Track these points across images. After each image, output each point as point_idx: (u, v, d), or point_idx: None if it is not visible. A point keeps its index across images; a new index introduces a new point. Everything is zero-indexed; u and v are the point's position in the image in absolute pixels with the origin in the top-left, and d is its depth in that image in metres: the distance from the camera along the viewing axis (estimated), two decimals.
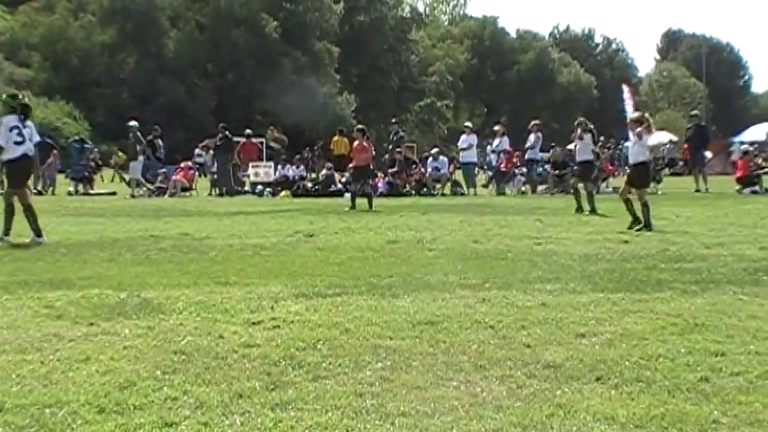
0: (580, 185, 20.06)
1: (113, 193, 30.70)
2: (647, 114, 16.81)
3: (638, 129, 16.15)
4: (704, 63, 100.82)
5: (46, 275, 9.65)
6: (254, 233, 15.48)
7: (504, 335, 6.54)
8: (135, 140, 31.75)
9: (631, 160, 16.42)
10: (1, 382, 5.18)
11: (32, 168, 14.77)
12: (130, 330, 6.69)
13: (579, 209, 19.32)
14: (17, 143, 13.79)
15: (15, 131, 13.79)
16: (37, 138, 14.44)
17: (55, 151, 36.00)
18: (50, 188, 34.23)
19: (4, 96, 14.87)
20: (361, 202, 22.17)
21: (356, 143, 23.78)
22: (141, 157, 31.70)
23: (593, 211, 18.72)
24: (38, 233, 13.77)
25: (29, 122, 14.14)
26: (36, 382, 5.19)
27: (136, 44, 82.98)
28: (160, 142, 34.66)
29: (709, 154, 37.20)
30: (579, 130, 20.85)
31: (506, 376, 5.35)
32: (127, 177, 31.78)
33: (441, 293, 8.29)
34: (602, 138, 36.41)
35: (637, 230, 15.01)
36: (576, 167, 21.34)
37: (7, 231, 13.71)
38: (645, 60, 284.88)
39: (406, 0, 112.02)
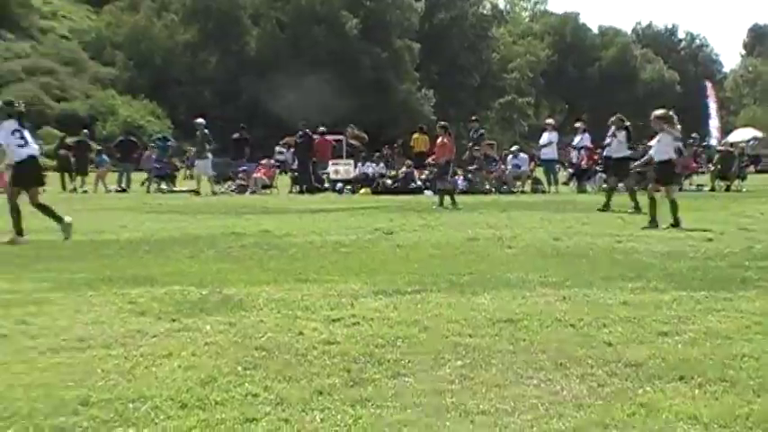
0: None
1: (196, 192, 30.99)
2: (671, 112, 16.41)
3: (663, 125, 15.87)
4: None
5: (129, 272, 9.78)
6: (334, 230, 15.53)
7: (584, 333, 6.48)
8: (203, 138, 32.05)
9: (656, 158, 16.07)
10: (86, 376, 5.26)
11: (39, 169, 15.04)
12: (212, 327, 6.74)
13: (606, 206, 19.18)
14: (20, 146, 14.11)
15: (17, 134, 14.11)
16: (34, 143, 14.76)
17: (148, 150, 36.43)
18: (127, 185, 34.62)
19: (1, 103, 15.23)
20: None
21: (439, 140, 23.73)
22: (210, 155, 31.97)
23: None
24: (19, 233, 13.86)
25: (24, 126, 14.47)
26: (120, 377, 5.26)
27: (217, 42, 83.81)
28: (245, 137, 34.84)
29: None
30: (614, 128, 20.46)
31: (587, 375, 5.30)
32: (202, 175, 32.03)
33: (520, 291, 8.24)
34: (693, 135, 35.97)
35: (665, 228, 14.80)
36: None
37: (20, 232, 13.88)
38: (730, 56, 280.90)
39: None
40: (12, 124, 14.15)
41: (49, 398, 4.81)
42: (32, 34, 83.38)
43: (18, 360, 5.67)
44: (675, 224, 14.98)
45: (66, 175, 35.49)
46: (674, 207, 15.18)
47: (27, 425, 4.38)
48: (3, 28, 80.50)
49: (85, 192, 33.74)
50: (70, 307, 7.58)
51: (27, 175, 14.46)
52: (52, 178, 36.01)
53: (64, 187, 34.78)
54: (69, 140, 38.54)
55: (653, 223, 15.21)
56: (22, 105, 15.39)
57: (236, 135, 34.69)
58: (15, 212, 13.92)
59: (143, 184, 34.94)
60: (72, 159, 35.77)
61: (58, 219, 14.26)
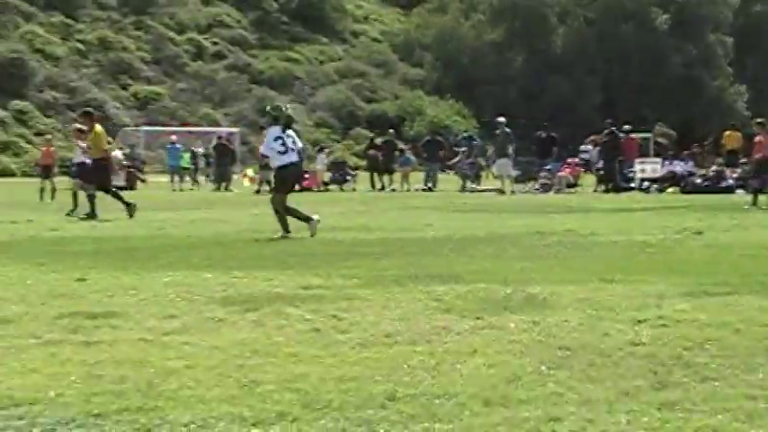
0: None
1: (500, 191, 31.18)
2: None
3: None
4: None
5: (435, 270, 9.94)
6: (640, 230, 15.23)
7: None
8: (504, 137, 32.12)
9: None
10: (393, 371, 5.38)
11: (298, 176, 15.39)
12: (515, 325, 6.75)
13: None
14: (280, 153, 14.50)
15: (279, 141, 14.47)
16: (300, 144, 15.04)
17: (469, 148, 36.90)
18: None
19: (269, 108, 15.69)
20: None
21: (758, 137, 22.80)
22: (512, 154, 31.99)
23: None
24: (286, 229, 14.31)
25: (290, 132, 14.77)
26: (425, 373, 5.35)
27: (524, 42, 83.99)
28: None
29: None
30: None
31: None
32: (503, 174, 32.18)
33: None
34: None
35: None
36: None
37: (286, 230, 14.36)
38: None
39: None
40: (276, 131, 14.74)
41: (358, 391, 4.95)
42: (345, 38, 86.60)
43: (329, 354, 5.87)
44: None
45: (375, 174, 36.60)
46: None
47: (338, 416, 4.52)
48: (318, 33, 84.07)
49: (393, 190, 34.67)
50: (378, 303, 7.79)
51: (288, 181, 15.07)
52: (362, 177, 37.36)
53: (373, 186, 35.92)
54: (378, 141, 39.76)
55: None
56: (289, 110, 16.02)
57: (540, 134, 34.54)
58: (289, 212, 14.51)
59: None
60: (380, 159, 36.88)
61: (306, 218, 14.55)
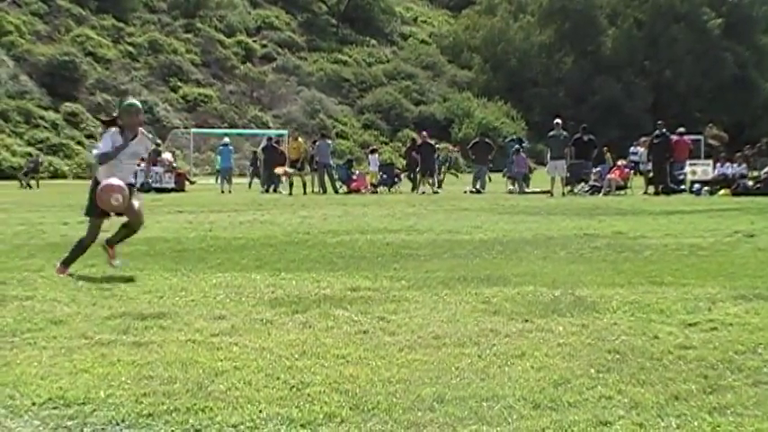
0: None
1: (549, 192, 31.10)
2: None
3: None
4: None
5: (483, 272, 9.93)
6: (690, 232, 15.11)
7: None
8: (560, 139, 32.06)
9: None
10: (441, 373, 5.38)
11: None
12: (564, 328, 6.72)
13: None
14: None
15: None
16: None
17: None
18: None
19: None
20: None
21: None
22: (566, 156, 31.91)
23: None
24: None
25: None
26: (474, 376, 5.34)
27: (573, 43, 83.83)
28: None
29: None
30: None
31: None
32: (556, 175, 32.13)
33: None
34: None
35: None
36: None
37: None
38: None
39: None
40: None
41: (406, 393, 4.95)
42: (394, 40, 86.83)
43: (377, 356, 5.88)
44: None
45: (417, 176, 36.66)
46: None
47: (386, 418, 4.53)
48: (367, 35, 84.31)
49: (436, 192, 34.64)
50: (426, 305, 7.79)
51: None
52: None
53: (415, 186, 35.97)
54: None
55: None
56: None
57: (581, 136, 34.17)
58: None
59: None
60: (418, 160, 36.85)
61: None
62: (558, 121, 32.77)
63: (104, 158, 10.11)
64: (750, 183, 30.79)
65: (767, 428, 4.28)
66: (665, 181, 31.51)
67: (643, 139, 37.09)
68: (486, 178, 36.78)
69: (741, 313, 7.20)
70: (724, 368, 5.43)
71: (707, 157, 37.11)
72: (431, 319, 7.09)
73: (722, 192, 30.33)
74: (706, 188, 31.23)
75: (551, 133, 32.78)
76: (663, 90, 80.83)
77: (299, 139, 38.19)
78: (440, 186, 36.63)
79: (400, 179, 38.05)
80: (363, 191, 35.79)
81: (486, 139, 38.70)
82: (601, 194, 31.60)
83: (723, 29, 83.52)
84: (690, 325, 6.76)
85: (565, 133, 32.36)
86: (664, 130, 32.52)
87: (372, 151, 41.27)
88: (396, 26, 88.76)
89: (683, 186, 32.56)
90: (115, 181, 9.93)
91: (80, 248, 10.21)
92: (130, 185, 10.27)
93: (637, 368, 5.47)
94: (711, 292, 8.30)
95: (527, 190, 34.79)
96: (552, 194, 30.73)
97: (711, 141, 37.74)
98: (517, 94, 78.17)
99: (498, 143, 44.50)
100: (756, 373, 5.32)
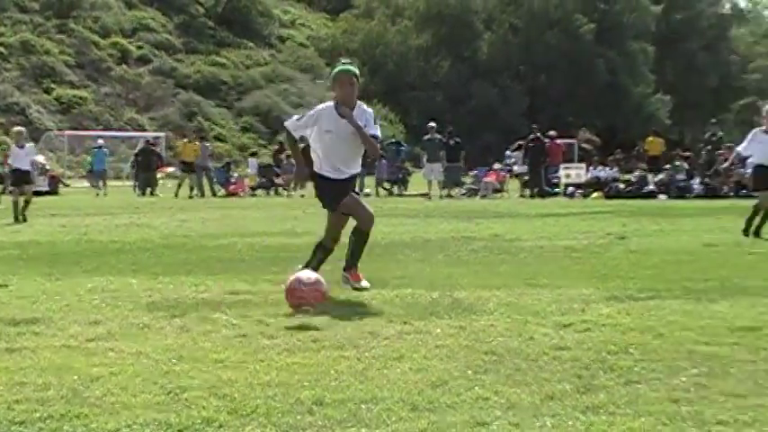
0: None
1: (427, 195, 31.36)
2: None
3: None
4: None
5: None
6: (565, 235, 15.40)
7: None
8: (434, 142, 32.36)
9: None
10: (320, 376, 5.38)
11: None
12: (442, 330, 6.78)
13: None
14: None
15: None
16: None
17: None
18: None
19: None
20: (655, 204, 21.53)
21: None
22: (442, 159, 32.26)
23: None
24: None
25: None
26: (352, 378, 5.35)
27: (450, 47, 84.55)
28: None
29: None
30: None
31: None
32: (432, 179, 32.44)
33: (762, 299, 7.92)
34: None
35: None
36: None
37: None
38: None
39: None
40: None
41: (285, 396, 4.94)
42: (272, 42, 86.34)
43: (256, 359, 5.85)
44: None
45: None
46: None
47: (265, 422, 4.51)
48: (245, 37, 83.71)
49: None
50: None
51: None
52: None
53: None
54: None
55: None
56: None
57: (441, 139, 33.99)
58: None
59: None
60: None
61: None
62: (433, 124, 33.04)
63: None
64: (622, 186, 31.51)
65: (638, 426, 4.38)
66: (540, 184, 32.05)
67: (518, 142, 37.66)
68: (365, 181, 36.87)
69: (613, 314, 7.36)
70: (597, 368, 5.54)
71: (580, 160, 37.83)
72: (309, 323, 7.08)
73: (595, 195, 30.99)
74: (579, 191, 31.88)
75: (426, 137, 33.08)
76: (538, 94, 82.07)
77: (197, 142, 37.13)
78: None
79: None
80: (242, 194, 35.57)
81: None
82: (478, 197, 31.98)
83: (595, 35, 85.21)
84: (564, 326, 6.88)
85: (439, 136, 32.70)
86: (538, 134, 33.09)
87: (252, 155, 41.08)
88: (274, 29, 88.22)
89: (557, 189, 33.18)
90: None
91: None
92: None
93: (513, 369, 5.54)
94: (585, 293, 8.47)
95: (405, 193, 35.03)
96: (430, 197, 30.99)
97: (584, 145, 38.54)
98: (395, 97, 78.47)
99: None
100: (628, 372, 5.44)
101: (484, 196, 32.10)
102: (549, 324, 6.98)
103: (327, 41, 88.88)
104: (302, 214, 21.34)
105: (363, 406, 4.76)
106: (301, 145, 9.02)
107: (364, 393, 5.00)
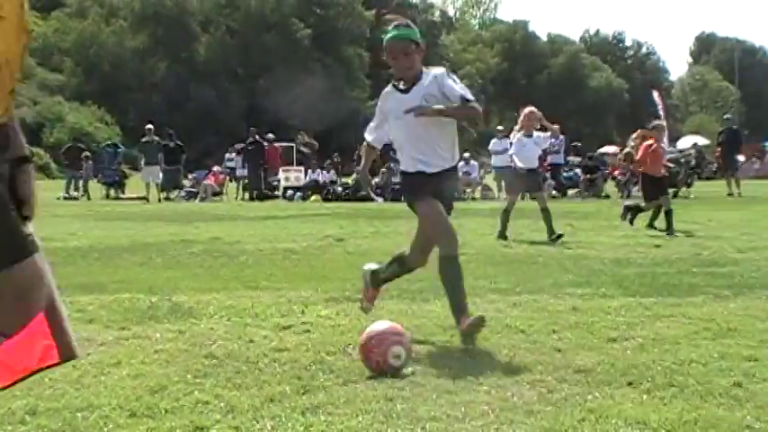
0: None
1: (145, 198, 30.86)
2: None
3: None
4: (737, 66, 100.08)
5: (78, 279, 9.68)
6: (285, 237, 15.52)
7: (534, 339, 6.50)
8: (153, 144, 32.01)
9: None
10: (34, 385, 5.19)
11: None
12: (161, 334, 6.70)
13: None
14: None
15: None
16: None
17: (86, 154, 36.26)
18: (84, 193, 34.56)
19: None
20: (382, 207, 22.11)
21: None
22: (160, 162, 31.90)
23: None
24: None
25: None
26: (68, 386, 5.20)
27: (167, 49, 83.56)
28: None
29: (742, 158, 36.80)
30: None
31: (537, 381, 5.31)
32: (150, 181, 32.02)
33: (471, 298, 8.20)
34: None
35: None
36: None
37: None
38: (677, 64, 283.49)
39: (437, 4, 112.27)
40: None
41: None
42: None
43: None
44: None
45: None
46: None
47: None
48: None
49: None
50: None
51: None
52: None
53: None
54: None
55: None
56: None
57: (167, 143, 33.67)
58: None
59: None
60: None
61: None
62: (150, 126, 32.57)
63: None
64: (339, 189, 32.08)
65: (355, 425, 4.47)
66: (259, 187, 32.19)
67: (237, 145, 37.59)
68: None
69: (332, 315, 7.49)
70: (316, 369, 5.62)
71: (299, 164, 38.19)
72: None
73: (314, 197, 31.41)
74: (299, 194, 32.22)
75: (144, 139, 32.57)
76: (258, 97, 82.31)
77: None
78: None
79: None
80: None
81: (80, 144, 37.85)
82: (197, 200, 31.75)
83: (312, 39, 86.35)
84: (284, 328, 6.94)
85: (157, 138, 32.27)
86: (257, 136, 33.23)
87: None
88: None
89: (276, 192, 33.42)
90: None
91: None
92: None
93: (233, 372, 5.54)
94: (304, 295, 8.57)
95: (122, 196, 34.35)
96: (148, 200, 30.51)
97: (303, 149, 38.86)
98: (111, 98, 76.73)
99: (92, 148, 43.49)
100: (346, 372, 5.54)
101: (203, 199, 31.89)
102: (268, 326, 7.02)
103: (38, 40, 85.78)
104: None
105: (79, 414, 4.65)
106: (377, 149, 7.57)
107: (80, 401, 4.88)
